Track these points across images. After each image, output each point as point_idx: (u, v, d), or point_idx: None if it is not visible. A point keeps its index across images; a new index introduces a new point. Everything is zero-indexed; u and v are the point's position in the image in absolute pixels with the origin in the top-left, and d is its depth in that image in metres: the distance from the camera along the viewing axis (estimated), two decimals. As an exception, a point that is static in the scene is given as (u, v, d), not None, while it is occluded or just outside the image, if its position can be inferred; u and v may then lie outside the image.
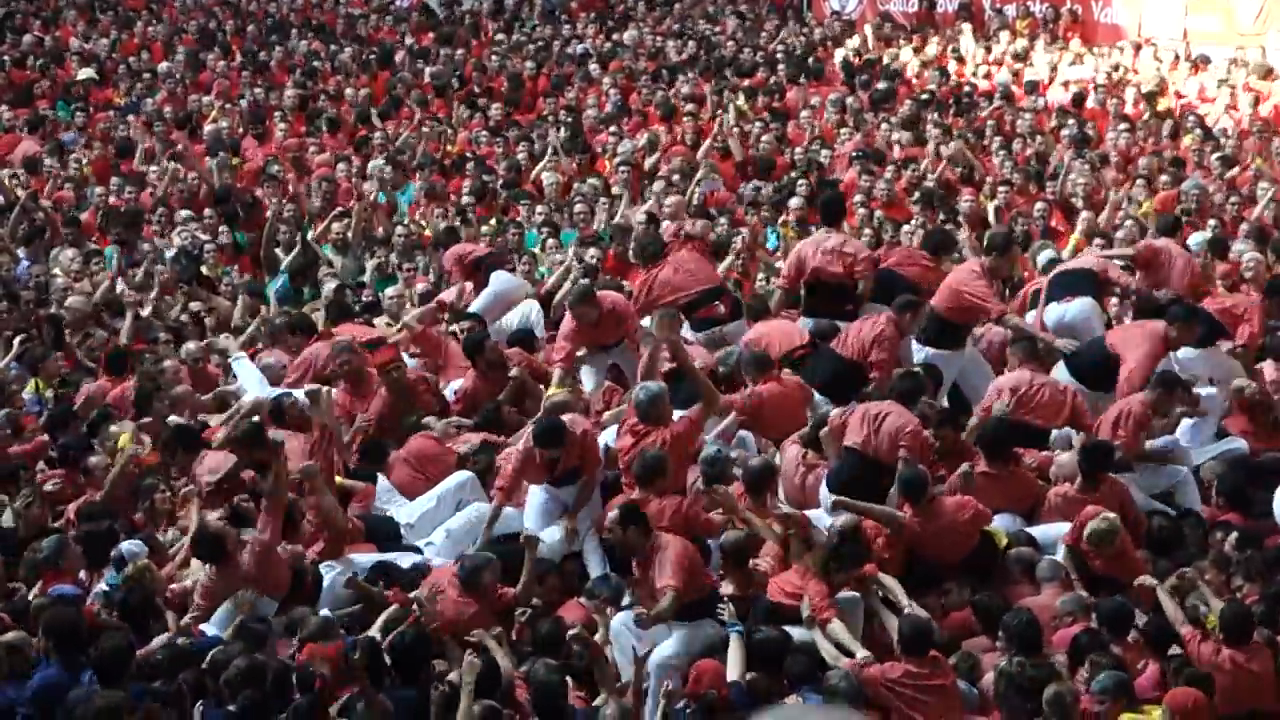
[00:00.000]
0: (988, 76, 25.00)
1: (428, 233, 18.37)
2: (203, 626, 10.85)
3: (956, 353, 13.74)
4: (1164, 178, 19.15)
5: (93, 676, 9.63)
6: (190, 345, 14.95)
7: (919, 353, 13.68)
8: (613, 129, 21.71)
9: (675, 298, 14.37)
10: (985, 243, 14.27)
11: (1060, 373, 13.28)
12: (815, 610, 10.51)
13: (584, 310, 13.83)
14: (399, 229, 18.31)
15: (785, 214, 17.98)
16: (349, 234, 18.11)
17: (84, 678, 9.68)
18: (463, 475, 12.52)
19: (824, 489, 12.08)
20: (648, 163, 20.54)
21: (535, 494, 12.23)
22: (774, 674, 10.15)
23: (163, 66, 24.74)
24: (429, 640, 10.11)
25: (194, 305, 16.28)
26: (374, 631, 10.32)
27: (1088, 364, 13.31)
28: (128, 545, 11.58)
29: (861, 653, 10.34)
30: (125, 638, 9.81)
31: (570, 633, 10.24)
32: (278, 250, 18.10)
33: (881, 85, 23.98)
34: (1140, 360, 13.09)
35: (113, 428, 13.20)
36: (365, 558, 11.78)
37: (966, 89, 24.13)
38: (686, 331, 14.37)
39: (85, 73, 24.29)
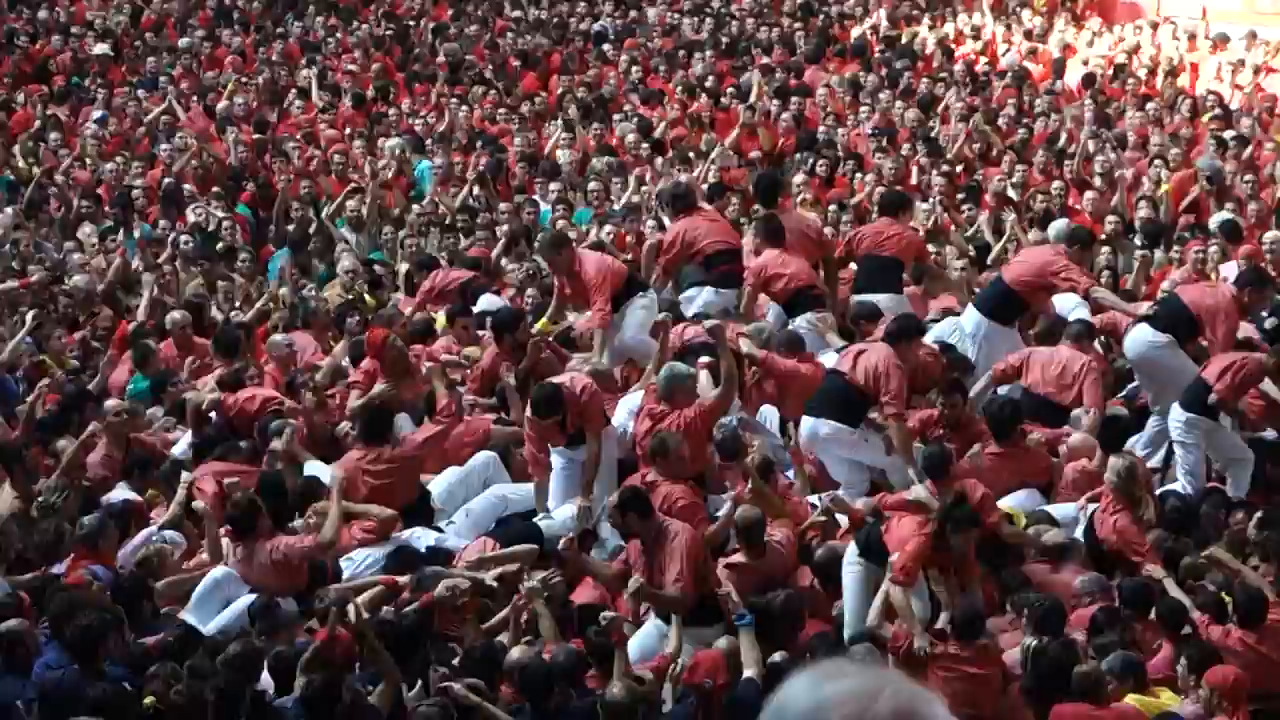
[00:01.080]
0: (1005, 54, 24.92)
1: (444, 210, 18.36)
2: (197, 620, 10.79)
3: (1011, 329, 13.69)
4: (1175, 151, 19.12)
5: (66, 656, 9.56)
6: (175, 314, 14.94)
7: (975, 322, 13.64)
8: (626, 107, 21.66)
9: (706, 244, 14.33)
10: (1069, 236, 14.25)
11: (1143, 333, 13.02)
12: (897, 567, 10.38)
13: (553, 257, 13.88)
14: (414, 207, 18.29)
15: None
16: (364, 211, 18.08)
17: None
18: (486, 455, 12.53)
19: (806, 421, 12.23)
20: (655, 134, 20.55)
21: (554, 460, 12.18)
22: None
23: (183, 42, 24.68)
24: (429, 623, 10.05)
25: (221, 284, 16.28)
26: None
27: (1169, 321, 12.98)
28: (168, 534, 11.52)
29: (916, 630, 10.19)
30: (99, 617, 9.58)
31: (605, 615, 10.12)
32: (289, 227, 18.10)
33: (899, 64, 23.89)
34: (1226, 335, 12.88)
35: (108, 403, 13.17)
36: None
37: (984, 67, 24.04)
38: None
39: (101, 48, 24.24)
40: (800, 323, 13.80)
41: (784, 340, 13.21)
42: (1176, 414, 12.35)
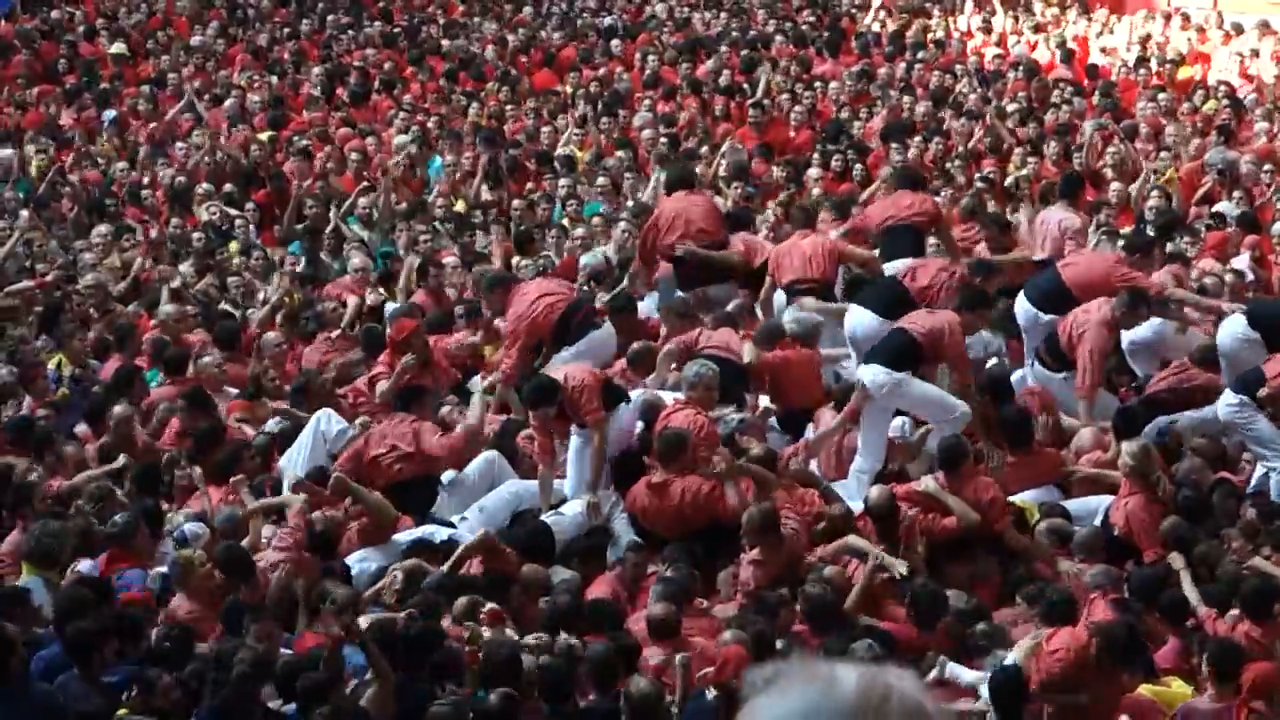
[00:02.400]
0: (1016, 46, 24.90)
1: (458, 207, 18.36)
2: None
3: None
4: (1197, 142, 19.11)
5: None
6: (168, 308, 14.98)
7: (1026, 314, 13.62)
8: (645, 102, 21.69)
9: (674, 239, 14.26)
10: (1129, 245, 14.31)
11: (1237, 325, 12.93)
12: (1039, 679, 9.79)
13: (488, 297, 14.04)
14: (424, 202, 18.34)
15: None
16: (375, 210, 18.08)
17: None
18: (489, 454, 12.49)
19: (861, 369, 12.27)
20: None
21: (572, 440, 12.13)
22: None
23: (195, 40, 24.71)
24: (438, 630, 9.98)
25: (232, 281, 16.32)
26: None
27: (1265, 321, 12.88)
28: (191, 527, 11.47)
29: None
30: (96, 621, 9.53)
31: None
32: (299, 227, 18.13)
33: (912, 57, 23.85)
34: None
35: (116, 409, 13.10)
36: (402, 536, 11.75)
37: (994, 60, 24.01)
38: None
39: (116, 48, 24.26)
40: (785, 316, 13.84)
41: (763, 334, 13.27)
42: (1228, 397, 12.30)
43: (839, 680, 3.11)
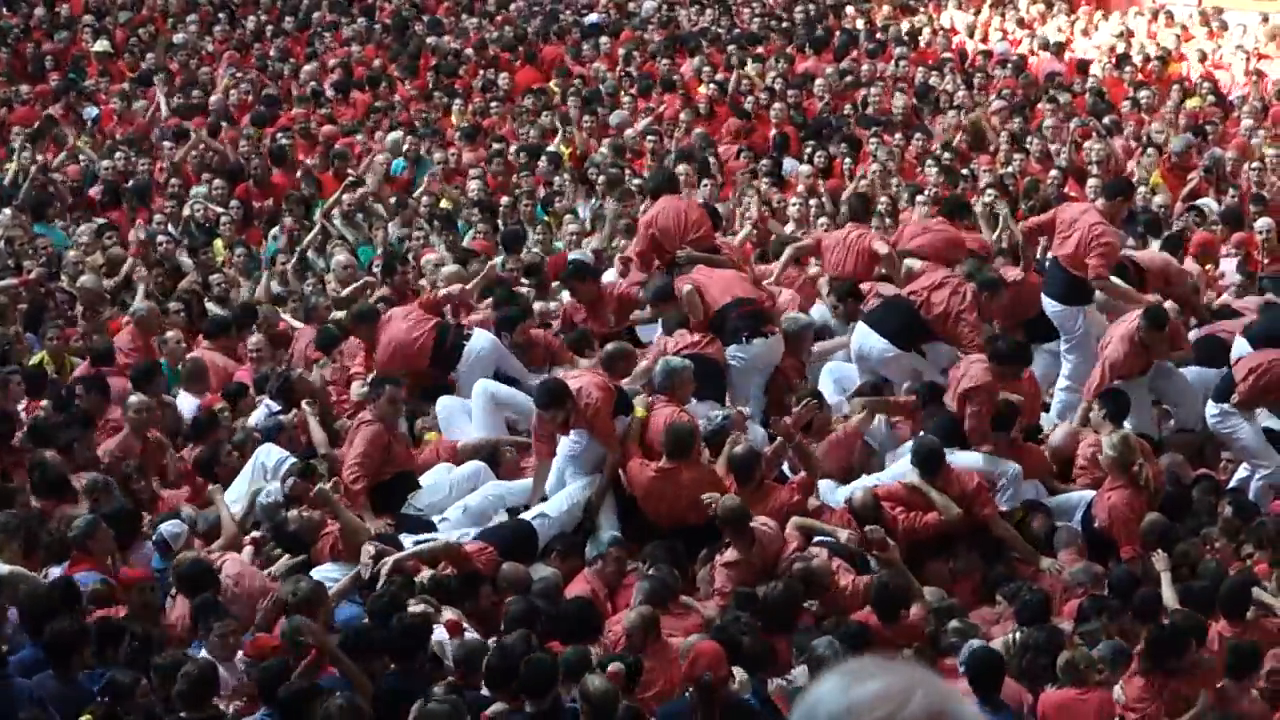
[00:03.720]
0: (1000, 43, 24.92)
1: (444, 204, 18.35)
2: None
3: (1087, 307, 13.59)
4: (1175, 142, 19.15)
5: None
6: (141, 305, 14.98)
7: (1056, 311, 13.57)
8: (626, 99, 21.68)
9: (674, 244, 14.20)
10: (1109, 189, 14.55)
11: (1241, 347, 12.88)
12: None
13: (355, 328, 13.80)
14: (412, 199, 18.33)
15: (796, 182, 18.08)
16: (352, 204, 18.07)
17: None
18: (474, 465, 12.45)
19: (860, 330, 12.36)
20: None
21: (563, 443, 12.05)
22: None
23: (178, 38, 24.68)
24: (428, 623, 9.98)
25: (214, 279, 16.32)
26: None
27: (1265, 339, 12.86)
28: (168, 527, 11.38)
29: None
30: (74, 623, 9.53)
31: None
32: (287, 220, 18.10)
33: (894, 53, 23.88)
34: None
35: (131, 398, 13.01)
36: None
37: (979, 56, 24.03)
38: None
39: (100, 45, 24.22)
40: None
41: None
42: (1211, 408, 12.33)
43: (865, 680, 3.24)
